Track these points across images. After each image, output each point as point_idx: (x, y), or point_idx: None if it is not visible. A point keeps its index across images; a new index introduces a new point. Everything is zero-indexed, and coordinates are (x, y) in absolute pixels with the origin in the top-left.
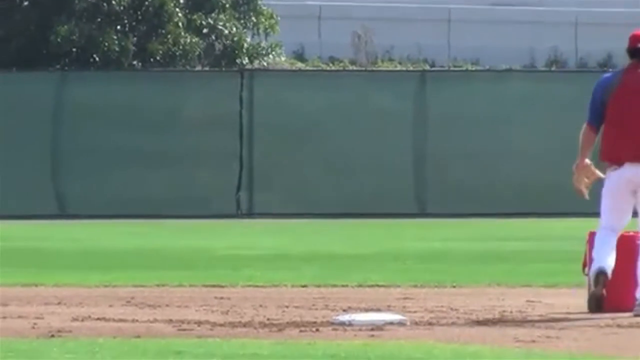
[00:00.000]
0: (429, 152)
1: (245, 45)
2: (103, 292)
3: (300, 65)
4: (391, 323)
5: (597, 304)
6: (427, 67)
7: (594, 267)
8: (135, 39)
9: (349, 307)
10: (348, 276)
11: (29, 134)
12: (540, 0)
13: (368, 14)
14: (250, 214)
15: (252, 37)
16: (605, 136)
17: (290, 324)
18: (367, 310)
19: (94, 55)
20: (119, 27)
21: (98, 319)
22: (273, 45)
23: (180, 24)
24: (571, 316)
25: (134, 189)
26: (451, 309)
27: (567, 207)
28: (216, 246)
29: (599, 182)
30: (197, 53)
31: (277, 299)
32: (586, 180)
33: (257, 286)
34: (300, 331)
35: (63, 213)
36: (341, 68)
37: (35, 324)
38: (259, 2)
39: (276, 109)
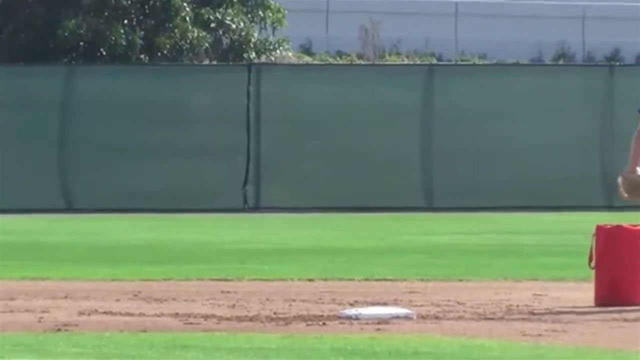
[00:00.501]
0: (436, 146)
1: (253, 40)
2: (109, 286)
3: (307, 59)
4: (397, 317)
5: None
6: (435, 61)
7: None
8: (142, 33)
9: (356, 301)
10: (355, 270)
11: (37, 128)
12: None
13: (375, 8)
14: (257, 208)
15: (260, 31)
16: None
17: (297, 318)
18: (373, 304)
19: (101, 50)
20: (126, 21)
21: (104, 313)
22: (280, 40)
23: (187, 18)
24: (578, 310)
25: (140, 183)
26: (458, 302)
27: (574, 200)
28: (223, 240)
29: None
30: (204, 47)
31: (284, 292)
32: (625, 195)
33: (263, 280)
34: (307, 325)
35: (70, 207)
36: (348, 62)
37: (41, 318)
38: None
39: (283, 103)
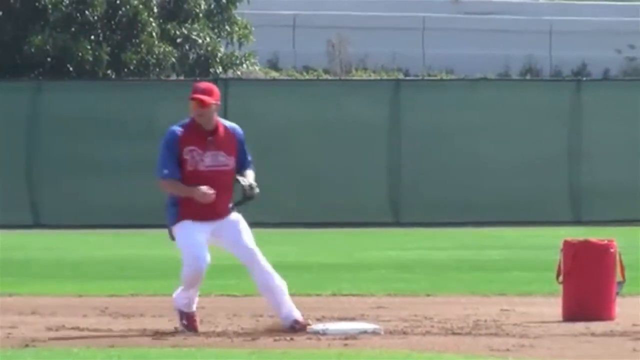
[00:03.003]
0: (403, 161)
1: (219, 54)
2: (77, 301)
3: (274, 74)
4: (365, 332)
5: None
6: (402, 76)
7: None
8: (109, 48)
9: (323, 317)
10: (322, 286)
11: (4, 143)
12: (515, 8)
13: (342, 23)
14: None
15: (227, 46)
16: None
17: (265, 334)
18: (341, 319)
19: (68, 65)
20: (92, 36)
21: (72, 328)
22: (247, 55)
23: (154, 33)
24: (545, 325)
25: (108, 198)
26: (425, 318)
27: (542, 215)
28: None
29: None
30: (170, 62)
31: (251, 308)
32: None
33: (231, 296)
34: (275, 340)
35: (37, 223)
36: (315, 77)
37: (9, 333)
38: (233, 12)
39: (250, 118)
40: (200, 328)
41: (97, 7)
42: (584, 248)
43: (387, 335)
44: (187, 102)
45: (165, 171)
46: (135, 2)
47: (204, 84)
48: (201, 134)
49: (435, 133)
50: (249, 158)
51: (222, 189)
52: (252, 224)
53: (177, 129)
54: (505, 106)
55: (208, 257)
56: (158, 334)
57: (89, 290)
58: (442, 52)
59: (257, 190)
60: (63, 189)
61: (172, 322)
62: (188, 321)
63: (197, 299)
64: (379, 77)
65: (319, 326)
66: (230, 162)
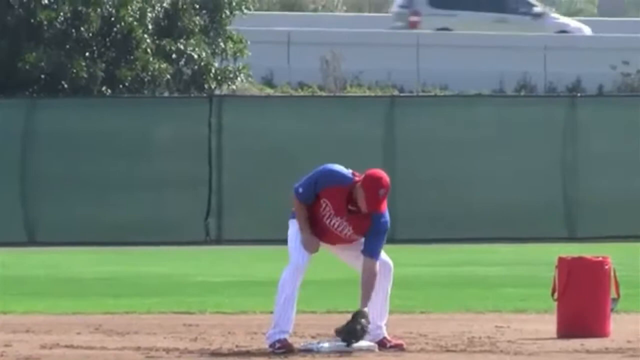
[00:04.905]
0: (398, 177)
1: (213, 69)
2: (71, 319)
3: (269, 90)
4: (360, 349)
5: None
6: (396, 93)
7: None
8: (104, 65)
9: (317, 334)
10: (316, 302)
11: None
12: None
13: (337, 40)
14: (219, 241)
15: (221, 62)
16: None
17: (259, 351)
18: (335, 336)
19: (63, 82)
20: (87, 53)
21: (66, 346)
22: (240, 67)
23: (148, 49)
24: (540, 342)
25: (103, 215)
26: (420, 334)
27: (536, 231)
28: (185, 273)
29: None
30: (165, 79)
31: (246, 325)
32: None
33: (225, 313)
34: (269, 358)
35: (32, 240)
36: (310, 93)
37: (3, 352)
38: (228, 27)
39: (245, 135)
40: (195, 346)
41: (92, 23)
42: (578, 265)
43: (382, 352)
44: (181, 118)
45: (300, 190)
46: (130, 19)
47: (385, 185)
48: (346, 202)
49: (430, 149)
50: (376, 247)
51: (342, 242)
52: (248, 241)
53: (338, 180)
54: (500, 122)
55: (307, 262)
56: (152, 352)
57: (83, 307)
58: (437, 68)
59: (361, 328)
60: (58, 206)
61: (166, 340)
62: (282, 344)
63: (292, 320)
64: (373, 94)
65: (313, 344)
66: (354, 238)
